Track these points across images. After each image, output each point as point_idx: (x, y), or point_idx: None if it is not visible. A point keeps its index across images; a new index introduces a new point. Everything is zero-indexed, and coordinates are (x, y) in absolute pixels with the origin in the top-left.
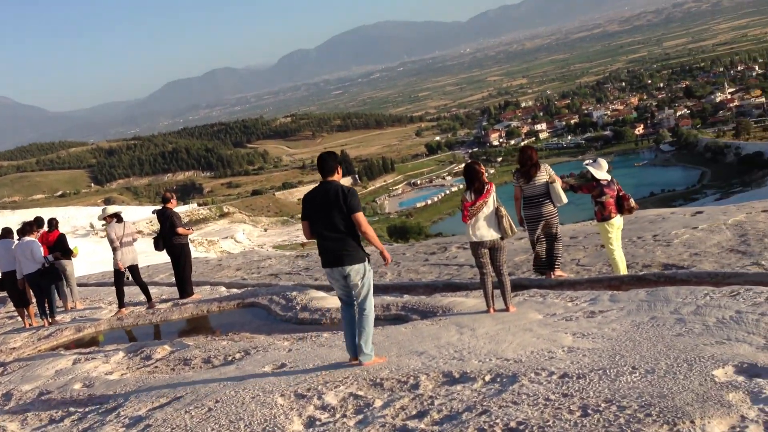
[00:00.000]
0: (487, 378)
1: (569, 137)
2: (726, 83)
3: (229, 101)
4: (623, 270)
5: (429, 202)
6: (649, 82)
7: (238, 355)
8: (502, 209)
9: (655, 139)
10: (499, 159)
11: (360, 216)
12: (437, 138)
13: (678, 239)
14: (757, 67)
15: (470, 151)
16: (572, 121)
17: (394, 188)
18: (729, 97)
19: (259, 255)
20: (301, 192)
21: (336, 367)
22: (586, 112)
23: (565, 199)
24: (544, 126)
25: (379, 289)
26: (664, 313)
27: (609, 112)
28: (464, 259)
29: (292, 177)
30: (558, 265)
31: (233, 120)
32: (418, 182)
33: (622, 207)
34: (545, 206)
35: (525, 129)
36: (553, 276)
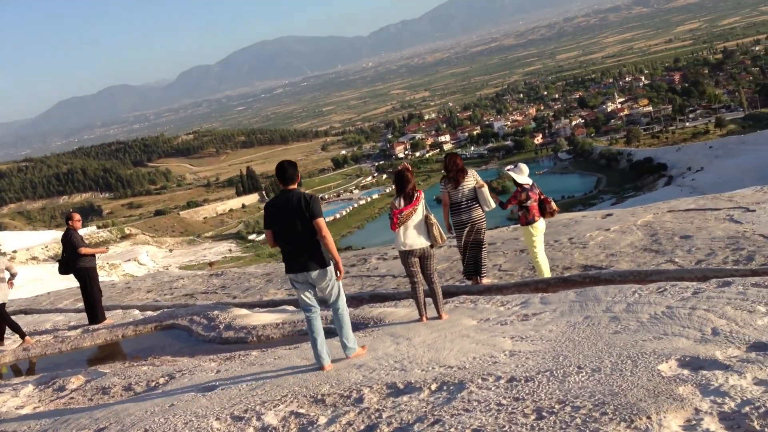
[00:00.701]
0: (434, 387)
1: (472, 148)
2: (616, 93)
3: (127, 119)
4: (547, 273)
5: (337, 216)
6: (545, 93)
7: (162, 380)
8: (432, 217)
9: (553, 147)
10: None
11: (321, 222)
12: (343, 152)
13: (593, 241)
14: (643, 78)
15: (376, 164)
16: (474, 132)
17: None
18: (619, 106)
19: (170, 276)
20: (207, 210)
21: (271, 385)
22: (487, 123)
23: (493, 204)
24: (447, 137)
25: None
26: (597, 312)
27: (509, 123)
28: (386, 269)
29: (196, 195)
30: (485, 272)
31: (132, 138)
32: (326, 197)
33: (544, 210)
34: (474, 211)
35: (429, 141)
36: (480, 282)
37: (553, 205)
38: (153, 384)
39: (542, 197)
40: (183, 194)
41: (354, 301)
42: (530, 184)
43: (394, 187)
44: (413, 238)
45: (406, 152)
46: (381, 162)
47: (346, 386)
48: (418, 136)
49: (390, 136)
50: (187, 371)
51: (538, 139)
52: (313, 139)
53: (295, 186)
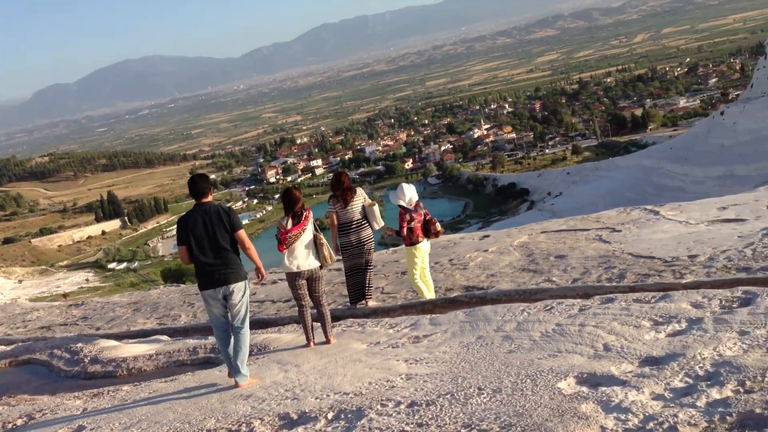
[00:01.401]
0: (330, 415)
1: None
2: (482, 120)
3: None
4: (432, 294)
5: None
6: (416, 118)
7: (20, 422)
8: (321, 236)
9: (423, 172)
10: (277, 196)
11: (243, 233)
12: (213, 176)
13: (473, 262)
14: (507, 106)
15: (247, 188)
16: (346, 157)
17: (167, 229)
18: (485, 132)
19: (22, 308)
20: (62, 238)
21: (148, 423)
22: (359, 147)
23: (382, 222)
24: (319, 162)
25: (179, 333)
26: (488, 332)
27: (380, 148)
28: (264, 294)
29: (51, 222)
30: (370, 294)
31: None
32: None
33: (428, 231)
34: (364, 230)
35: (301, 165)
36: (366, 305)
37: (438, 226)
38: (10, 426)
39: (427, 218)
40: (35, 221)
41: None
42: (414, 204)
43: (282, 206)
44: (302, 259)
45: (278, 176)
46: (252, 186)
47: (234, 419)
48: (290, 160)
49: (261, 161)
50: (49, 410)
51: (409, 164)
52: (180, 163)
53: (209, 198)
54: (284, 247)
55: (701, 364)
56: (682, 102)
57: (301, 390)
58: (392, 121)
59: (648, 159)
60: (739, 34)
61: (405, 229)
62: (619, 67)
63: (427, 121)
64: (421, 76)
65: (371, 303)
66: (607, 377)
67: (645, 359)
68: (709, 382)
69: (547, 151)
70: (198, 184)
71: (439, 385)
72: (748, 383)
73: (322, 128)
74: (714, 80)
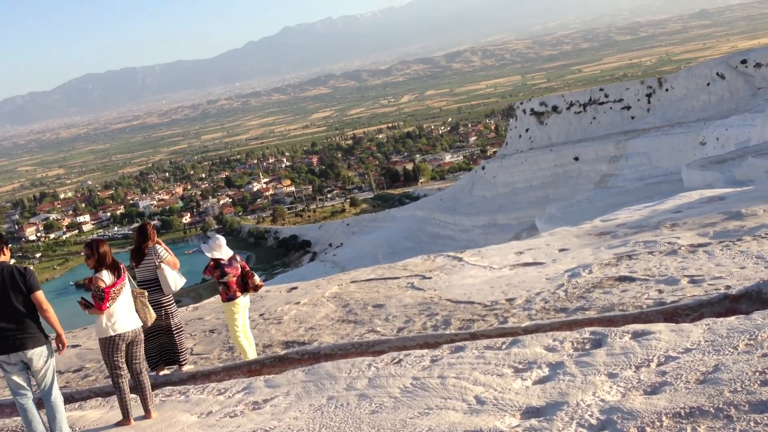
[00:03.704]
0: None
1: (116, 228)
2: (261, 174)
3: None
4: (252, 353)
5: None
6: (192, 172)
7: None
8: (141, 290)
9: (202, 227)
10: (38, 255)
11: (41, 295)
12: None
13: (287, 315)
14: (285, 160)
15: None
16: (118, 212)
17: None
18: (265, 186)
19: None
20: None
21: None
22: (131, 202)
23: (178, 284)
24: (87, 218)
25: None
26: (339, 392)
27: (155, 202)
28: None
29: None
30: (185, 360)
31: None
32: None
33: (246, 285)
34: (157, 293)
35: (66, 221)
36: (180, 370)
37: (257, 279)
38: None
39: (245, 270)
40: None
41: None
42: (228, 257)
43: (89, 262)
44: (123, 320)
45: (39, 234)
46: (9, 246)
47: None
48: (53, 216)
49: (18, 217)
50: None
51: (187, 218)
52: None
53: (2, 258)
54: (107, 305)
55: (589, 412)
56: (448, 157)
57: None
58: (167, 174)
59: (421, 210)
60: (491, 98)
61: (208, 276)
62: (390, 125)
63: (204, 175)
64: (196, 129)
65: (186, 367)
66: None
67: (526, 410)
68: (607, 431)
69: (326, 203)
70: None
71: None
72: (648, 429)
73: (89, 182)
74: (474, 138)
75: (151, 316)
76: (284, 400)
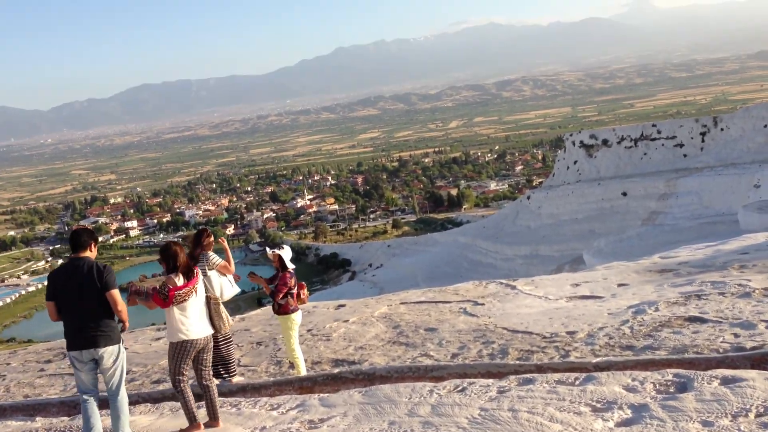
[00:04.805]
0: None
1: (161, 235)
2: (305, 191)
3: None
4: (303, 369)
5: (0, 303)
6: (238, 185)
7: None
8: (217, 296)
9: (245, 239)
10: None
11: (116, 293)
12: (11, 233)
13: (336, 333)
14: (330, 178)
15: (51, 247)
16: (164, 219)
17: None
18: (308, 203)
19: None
20: None
21: None
22: (178, 210)
23: (226, 294)
24: (135, 223)
25: None
26: (401, 417)
27: (201, 212)
28: None
29: None
30: (234, 371)
31: None
32: None
33: (298, 297)
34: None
35: (114, 225)
36: (230, 382)
37: (306, 292)
38: None
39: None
40: None
41: (65, 407)
42: (294, 268)
43: (162, 264)
44: (197, 326)
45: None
46: (57, 246)
47: None
48: (102, 220)
49: (69, 219)
50: None
51: (231, 230)
52: None
53: (86, 253)
54: (171, 302)
55: None
56: (493, 185)
57: None
58: (214, 186)
59: (463, 236)
60: (539, 128)
61: (282, 295)
62: (436, 149)
63: (250, 188)
64: (245, 143)
65: (236, 379)
66: None
67: None
68: None
69: (368, 223)
70: (81, 236)
71: None
72: None
73: (139, 189)
74: (520, 167)
75: (225, 323)
76: (342, 421)
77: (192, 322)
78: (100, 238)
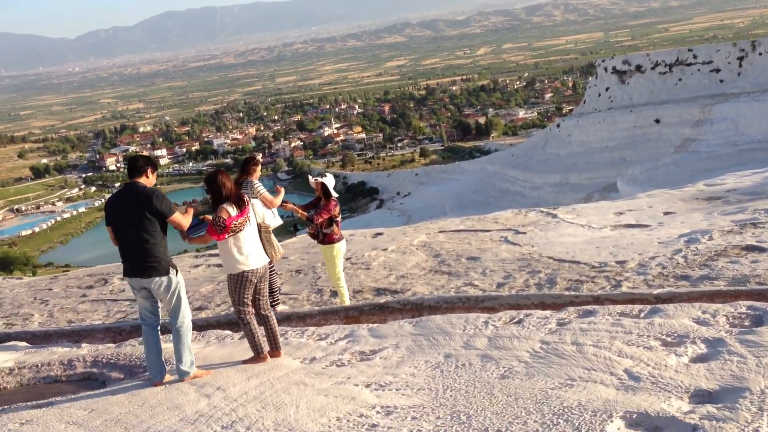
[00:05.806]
0: None
1: (190, 164)
2: (332, 119)
3: None
4: (348, 299)
5: (36, 229)
6: (265, 114)
7: None
8: (268, 225)
9: (272, 168)
10: (117, 184)
11: (176, 217)
12: (44, 161)
13: (375, 262)
14: (357, 107)
15: (84, 175)
16: (193, 148)
17: None
18: (336, 131)
19: None
20: None
21: None
22: (206, 139)
23: (268, 224)
24: (164, 152)
25: (38, 338)
26: (457, 350)
27: (229, 141)
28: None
29: None
30: (278, 299)
31: None
32: (23, 208)
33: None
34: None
35: (144, 154)
36: (275, 310)
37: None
38: None
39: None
40: None
41: (110, 333)
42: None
43: (209, 196)
44: (254, 256)
45: (118, 164)
46: (90, 174)
47: None
48: (132, 148)
49: (100, 147)
50: None
51: (258, 158)
52: (7, 145)
53: (143, 179)
54: (226, 234)
55: None
56: (521, 113)
57: (244, 427)
58: (241, 115)
59: (491, 164)
60: (570, 54)
61: (325, 221)
62: (464, 77)
63: (277, 117)
64: (271, 71)
65: (280, 307)
66: (668, 419)
67: (695, 393)
68: None
69: (395, 152)
70: (137, 162)
71: (438, 424)
72: None
73: (167, 118)
74: (549, 95)
75: (277, 252)
76: (394, 353)
77: (249, 251)
78: None
